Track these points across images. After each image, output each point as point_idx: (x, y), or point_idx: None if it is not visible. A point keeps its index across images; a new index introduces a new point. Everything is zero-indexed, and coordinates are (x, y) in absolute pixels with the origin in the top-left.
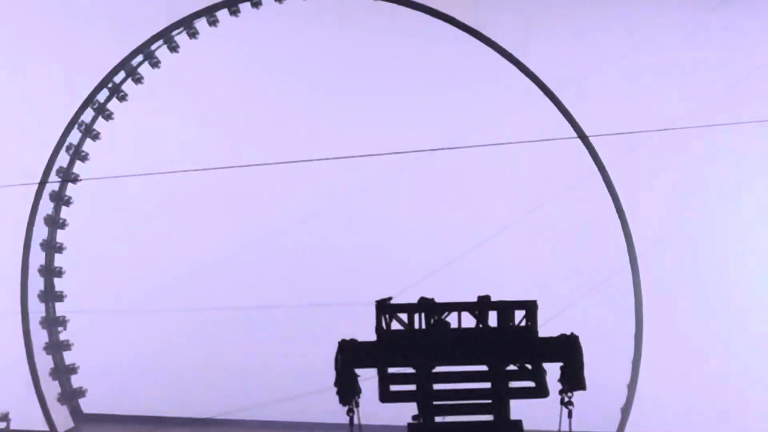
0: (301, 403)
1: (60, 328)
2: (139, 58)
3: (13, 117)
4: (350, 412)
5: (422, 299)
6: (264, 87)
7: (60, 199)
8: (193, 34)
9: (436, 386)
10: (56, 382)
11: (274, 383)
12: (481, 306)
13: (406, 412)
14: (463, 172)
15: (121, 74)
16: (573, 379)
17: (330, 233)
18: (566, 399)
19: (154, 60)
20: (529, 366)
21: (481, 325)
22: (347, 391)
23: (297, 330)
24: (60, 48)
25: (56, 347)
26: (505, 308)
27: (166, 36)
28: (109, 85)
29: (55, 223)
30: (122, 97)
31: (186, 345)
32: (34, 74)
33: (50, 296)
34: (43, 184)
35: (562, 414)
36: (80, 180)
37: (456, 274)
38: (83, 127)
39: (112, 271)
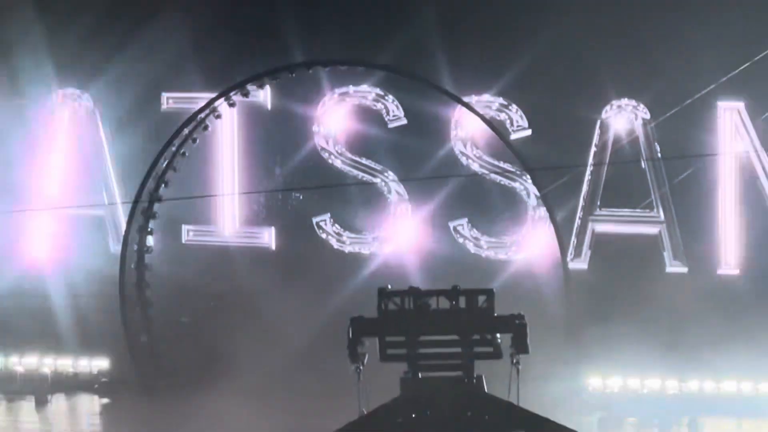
0: None
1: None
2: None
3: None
4: (357, 369)
5: (411, 287)
6: None
7: (150, 214)
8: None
9: (421, 350)
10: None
11: None
12: (453, 293)
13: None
14: None
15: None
16: (519, 346)
17: None
18: (515, 360)
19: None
20: (488, 336)
21: (453, 306)
22: (356, 353)
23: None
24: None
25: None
26: (471, 294)
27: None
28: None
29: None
30: (205, 127)
31: None
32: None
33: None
34: (136, 202)
35: (511, 371)
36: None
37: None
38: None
39: None
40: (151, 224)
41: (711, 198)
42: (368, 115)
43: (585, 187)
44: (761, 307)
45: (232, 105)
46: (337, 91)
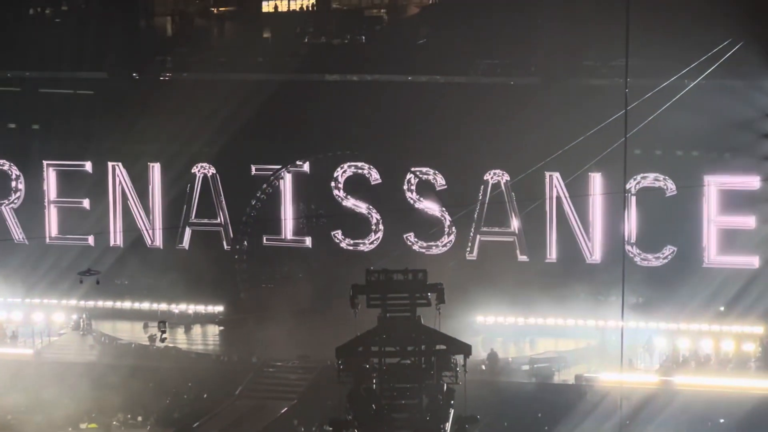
0: None
1: None
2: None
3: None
4: (355, 311)
5: (383, 269)
6: None
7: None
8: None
9: (389, 302)
10: None
11: None
12: (405, 271)
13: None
14: None
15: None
16: (439, 299)
17: None
18: (437, 307)
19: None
20: (424, 294)
21: (406, 278)
22: (354, 303)
23: None
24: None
25: None
26: (415, 272)
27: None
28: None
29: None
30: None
31: None
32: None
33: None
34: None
35: (436, 313)
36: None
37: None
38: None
39: None
40: (246, 234)
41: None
42: (360, 177)
43: (476, 216)
44: (568, 284)
45: (288, 172)
46: (345, 166)
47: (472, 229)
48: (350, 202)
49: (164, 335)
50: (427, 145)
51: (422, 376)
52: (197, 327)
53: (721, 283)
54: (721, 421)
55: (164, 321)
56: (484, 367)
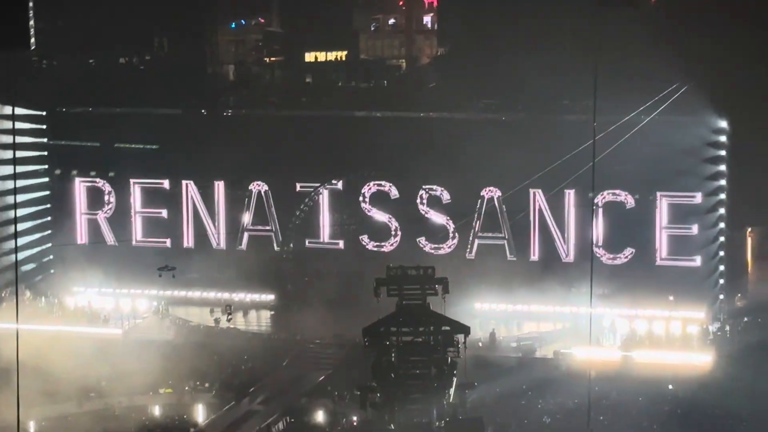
0: None
1: None
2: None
3: None
4: (378, 299)
5: (400, 265)
6: None
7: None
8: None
9: (405, 292)
10: None
11: None
12: (416, 267)
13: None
14: None
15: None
16: (445, 289)
17: None
18: (443, 296)
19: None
20: (432, 285)
21: (418, 272)
22: (377, 293)
23: None
24: None
25: None
26: (425, 268)
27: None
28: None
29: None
30: (315, 198)
31: None
32: None
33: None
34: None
35: (442, 301)
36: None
37: None
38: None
39: None
40: (292, 238)
41: (527, 224)
42: (382, 193)
43: (474, 224)
44: (548, 278)
45: (326, 189)
46: (370, 184)
47: (471, 235)
48: (374, 213)
49: (230, 316)
50: (436, 167)
51: (431, 351)
52: (252, 312)
53: (671, 278)
54: (670, 387)
55: (230, 305)
56: (480, 344)
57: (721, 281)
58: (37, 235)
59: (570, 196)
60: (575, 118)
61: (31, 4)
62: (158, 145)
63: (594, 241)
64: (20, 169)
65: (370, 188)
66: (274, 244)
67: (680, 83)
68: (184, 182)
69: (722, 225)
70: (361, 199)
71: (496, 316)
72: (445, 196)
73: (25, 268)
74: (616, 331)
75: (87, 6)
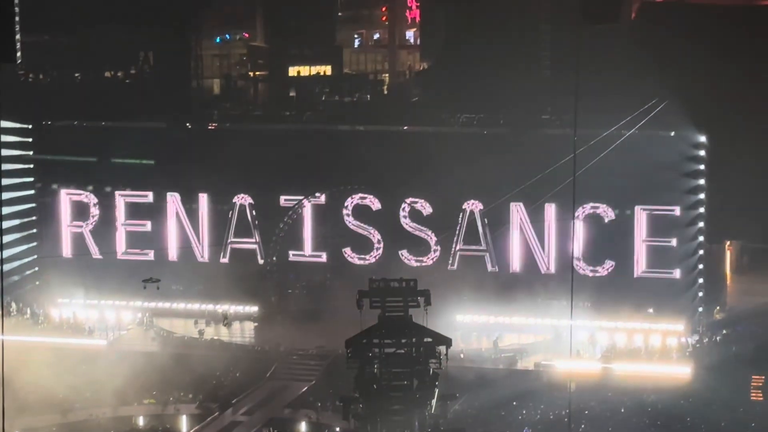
0: None
1: None
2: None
3: None
4: (360, 311)
5: (383, 278)
6: None
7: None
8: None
9: (387, 304)
10: None
11: None
12: (399, 280)
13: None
14: None
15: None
16: (427, 301)
17: None
18: (425, 308)
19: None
20: (414, 297)
21: (400, 284)
22: (360, 305)
23: None
24: None
25: None
26: (407, 281)
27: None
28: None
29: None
30: (298, 211)
31: None
32: None
33: None
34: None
35: (424, 313)
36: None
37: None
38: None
39: None
40: (275, 251)
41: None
42: (365, 206)
43: (455, 237)
44: (528, 290)
45: (309, 202)
46: (353, 197)
47: (453, 247)
48: (357, 226)
49: (226, 320)
50: (418, 180)
51: (413, 362)
52: (236, 323)
53: (650, 290)
54: (651, 398)
55: (226, 314)
56: (462, 356)
57: (700, 294)
58: (23, 247)
59: (551, 209)
60: (556, 132)
61: (17, 18)
62: (143, 159)
63: (574, 254)
64: (6, 181)
65: (352, 201)
66: (258, 257)
67: (660, 98)
68: (168, 194)
69: (701, 238)
70: (344, 212)
71: (477, 328)
72: (428, 209)
73: (11, 279)
74: (596, 343)
75: (73, 20)
